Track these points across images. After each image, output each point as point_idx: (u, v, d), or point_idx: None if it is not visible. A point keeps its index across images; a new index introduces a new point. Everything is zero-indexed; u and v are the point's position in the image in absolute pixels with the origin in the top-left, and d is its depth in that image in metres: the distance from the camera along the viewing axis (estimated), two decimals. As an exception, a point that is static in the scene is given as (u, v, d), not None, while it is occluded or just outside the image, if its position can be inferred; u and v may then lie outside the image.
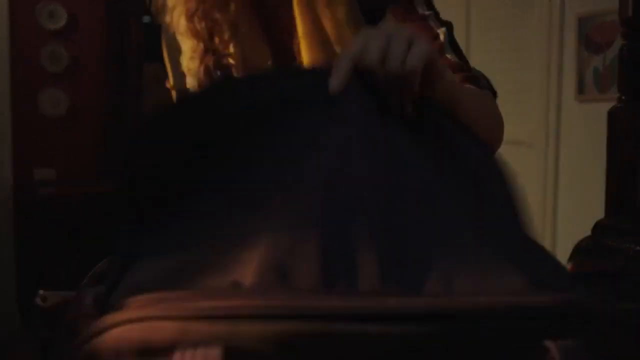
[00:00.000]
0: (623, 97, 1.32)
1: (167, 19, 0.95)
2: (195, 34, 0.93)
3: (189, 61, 0.95)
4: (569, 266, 1.35)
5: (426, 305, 0.47)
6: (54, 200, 3.61)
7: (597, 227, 1.33)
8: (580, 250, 1.35)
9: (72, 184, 3.77)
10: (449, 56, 0.92)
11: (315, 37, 0.92)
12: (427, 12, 0.95)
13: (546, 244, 3.11)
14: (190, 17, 0.92)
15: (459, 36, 1.07)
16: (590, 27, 2.82)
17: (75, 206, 3.65)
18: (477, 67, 1.08)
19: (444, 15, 1.11)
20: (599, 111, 1.77)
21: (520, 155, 3.22)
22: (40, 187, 3.66)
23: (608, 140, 1.34)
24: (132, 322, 0.44)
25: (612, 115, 1.34)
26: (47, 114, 3.74)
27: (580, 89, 2.88)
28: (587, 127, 2.82)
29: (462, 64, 0.93)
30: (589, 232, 1.34)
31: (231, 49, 0.94)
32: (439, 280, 0.48)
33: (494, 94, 0.95)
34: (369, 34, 0.61)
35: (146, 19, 4.15)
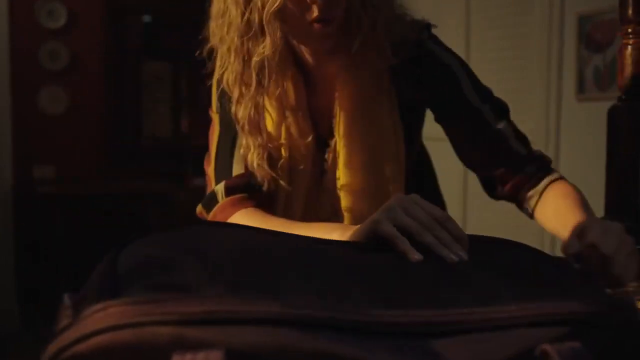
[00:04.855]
0: (623, 96, 1.32)
1: (233, 108, 1.00)
2: (255, 127, 1.00)
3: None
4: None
5: (425, 318, 0.47)
6: (53, 197, 3.62)
7: (597, 226, 1.33)
8: (580, 249, 1.34)
9: (72, 181, 3.77)
10: (514, 145, 1.03)
11: (354, 128, 1.01)
12: (479, 106, 1.02)
13: (546, 243, 3.11)
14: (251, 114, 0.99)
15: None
16: (590, 26, 2.81)
17: (74, 204, 3.65)
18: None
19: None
20: (599, 110, 1.77)
21: (520, 154, 3.21)
22: (40, 185, 3.66)
23: (608, 139, 1.34)
24: (117, 329, 0.42)
25: (612, 114, 1.33)
26: (46, 112, 3.74)
27: (580, 88, 2.88)
28: (587, 126, 2.82)
29: (524, 155, 1.02)
30: (588, 231, 1.34)
31: (283, 132, 1.02)
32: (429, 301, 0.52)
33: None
34: (419, 205, 0.70)
35: (146, 17, 4.15)
